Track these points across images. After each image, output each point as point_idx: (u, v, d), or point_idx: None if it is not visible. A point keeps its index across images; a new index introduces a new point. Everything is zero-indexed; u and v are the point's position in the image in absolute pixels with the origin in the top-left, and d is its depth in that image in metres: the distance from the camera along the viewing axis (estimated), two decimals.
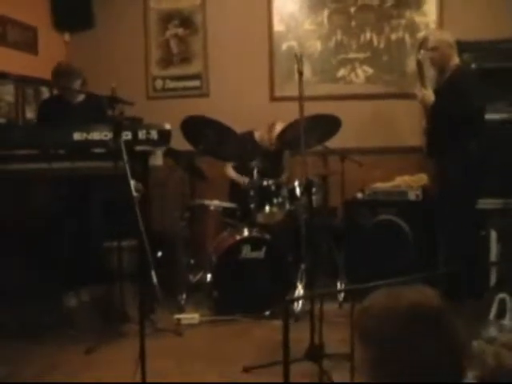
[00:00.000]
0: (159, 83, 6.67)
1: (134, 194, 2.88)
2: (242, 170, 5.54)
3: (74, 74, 5.08)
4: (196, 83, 6.60)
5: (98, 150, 4.25)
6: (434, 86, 4.89)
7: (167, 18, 6.63)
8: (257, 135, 5.88)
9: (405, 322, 1.49)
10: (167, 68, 6.66)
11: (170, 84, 6.66)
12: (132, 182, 2.93)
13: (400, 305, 1.52)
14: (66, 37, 6.72)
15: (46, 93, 6.10)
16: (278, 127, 5.63)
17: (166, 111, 6.11)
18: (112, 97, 3.82)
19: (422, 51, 4.81)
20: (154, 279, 2.82)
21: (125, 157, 3.07)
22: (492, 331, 3.85)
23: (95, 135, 4.25)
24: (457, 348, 1.51)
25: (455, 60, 4.84)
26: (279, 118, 5.63)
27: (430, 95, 4.74)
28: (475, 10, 5.94)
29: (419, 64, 4.84)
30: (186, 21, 6.61)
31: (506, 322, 3.80)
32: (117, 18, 6.66)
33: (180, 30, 6.61)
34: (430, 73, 5.06)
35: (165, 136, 4.39)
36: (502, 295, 3.84)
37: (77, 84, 5.07)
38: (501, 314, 3.88)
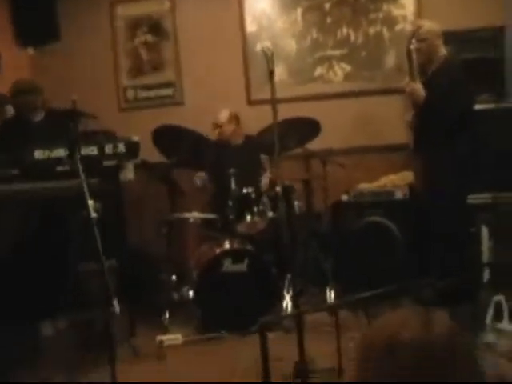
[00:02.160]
0: (131, 93, 6.42)
1: (93, 214, 2.64)
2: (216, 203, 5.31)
3: (33, 91, 4.85)
4: (169, 92, 6.37)
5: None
6: (421, 78, 4.70)
7: (135, 25, 6.37)
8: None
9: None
10: (138, 77, 6.41)
11: (142, 94, 6.40)
12: (90, 202, 2.69)
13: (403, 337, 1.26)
14: (30, 51, 6.41)
15: (11, 110, 5.81)
16: (219, 113, 5.57)
17: (139, 122, 5.92)
18: (73, 111, 3.58)
19: (413, 41, 4.62)
20: (117, 309, 2.57)
21: (81, 175, 2.83)
22: (490, 337, 3.64)
23: (60, 152, 3.99)
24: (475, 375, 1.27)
25: (442, 51, 4.71)
26: (256, 122, 5.44)
27: (420, 89, 4.59)
28: (451, 1, 5.81)
29: (409, 55, 4.66)
30: (155, 27, 6.36)
31: (503, 325, 3.58)
32: (83, 28, 6.40)
33: (149, 37, 6.36)
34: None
35: (133, 149, 4.15)
36: (497, 297, 3.61)
37: (38, 101, 4.83)
38: (497, 316, 3.65)
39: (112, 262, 4.90)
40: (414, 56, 4.65)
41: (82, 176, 2.86)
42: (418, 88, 4.58)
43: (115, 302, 2.61)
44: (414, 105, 4.68)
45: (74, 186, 3.73)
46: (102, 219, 4.61)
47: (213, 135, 5.49)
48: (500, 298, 3.67)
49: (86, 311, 4.67)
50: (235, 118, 5.61)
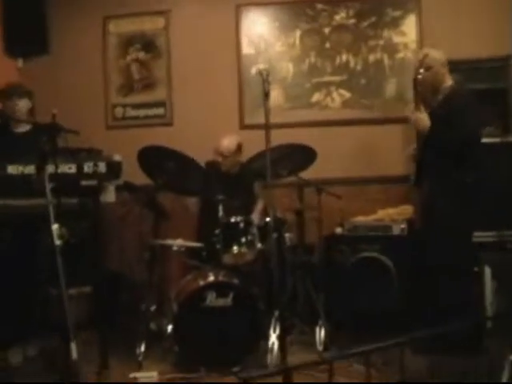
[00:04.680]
0: (119, 111, 6.16)
1: (57, 242, 2.33)
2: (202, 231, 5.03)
3: (25, 95, 4.59)
4: (159, 111, 6.11)
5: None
6: (426, 108, 4.45)
7: (128, 42, 6.15)
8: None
9: None
10: (128, 95, 6.16)
11: (131, 112, 6.14)
12: (55, 227, 2.38)
13: None
14: (20, 63, 6.18)
15: None
16: (226, 141, 5.20)
17: (126, 141, 5.65)
18: (52, 125, 3.30)
19: (421, 70, 4.38)
20: (74, 354, 2.27)
21: (48, 194, 2.53)
22: None
23: (33, 169, 3.69)
24: None
25: (449, 81, 4.49)
26: (249, 147, 5.19)
27: (425, 119, 4.34)
28: (455, 29, 5.65)
29: (416, 84, 4.42)
30: (148, 44, 6.14)
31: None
32: (74, 42, 6.19)
33: (141, 54, 6.13)
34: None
35: (115, 169, 3.87)
36: None
37: (24, 103, 4.57)
38: None
39: (86, 289, 4.63)
40: (420, 85, 4.41)
41: (49, 196, 2.55)
42: (424, 117, 4.33)
43: (73, 347, 2.29)
44: (418, 135, 4.43)
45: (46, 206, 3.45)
46: (80, 242, 4.34)
47: (203, 158, 5.20)
48: None
49: (56, 338, 4.38)
50: (240, 148, 5.26)
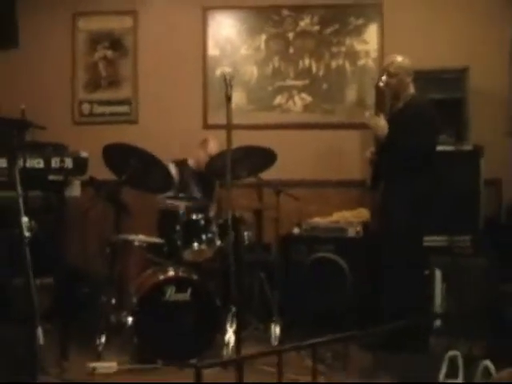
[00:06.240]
0: (86, 108, 6.24)
1: (26, 233, 2.45)
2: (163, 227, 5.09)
3: None
4: (125, 109, 6.22)
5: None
6: (385, 114, 4.61)
7: (96, 39, 6.25)
8: (191, 162, 5.51)
9: None
10: (95, 92, 6.25)
11: (98, 109, 6.24)
12: (25, 220, 2.50)
13: None
14: None
15: None
16: (212, 143, 5.38)
17: (92, 138, 5.69)
18: (21, 120, 3.40)
19: (384, 77, 4.55)
20: (40, 339, 2.38)
21: (18, 188, 2.64)
22: None
23: (2, 163, 3.80)
24: None
25: (411, 89, 4.61)
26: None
27: (384, 125, 4.48)
28: (417, 39, 5.81)
29: (379, 89, 4.57)
30: (115, 43, 6.24)
31: (458, 382, 3.42)
32: (43, 37, 6.25)
33: (109, 53, 6.22)
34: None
35: (81, 164, 4.00)
36: (452, 353, 3.47)
37: None
38: (452, 373, 3.50)
39: (48, 280, 4.70)
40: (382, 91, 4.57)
41: (19, 189, 2.66)
42: (382, 123, 4.47)
43: (39, 333, 2.41)
44: (376, 140, 4.58)
45: (14, 198, 3.55)
46: (42, 234, 4.42)
47: (167, 156, 5.31)
48: (455, 353, 3.51)
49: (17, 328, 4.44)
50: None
